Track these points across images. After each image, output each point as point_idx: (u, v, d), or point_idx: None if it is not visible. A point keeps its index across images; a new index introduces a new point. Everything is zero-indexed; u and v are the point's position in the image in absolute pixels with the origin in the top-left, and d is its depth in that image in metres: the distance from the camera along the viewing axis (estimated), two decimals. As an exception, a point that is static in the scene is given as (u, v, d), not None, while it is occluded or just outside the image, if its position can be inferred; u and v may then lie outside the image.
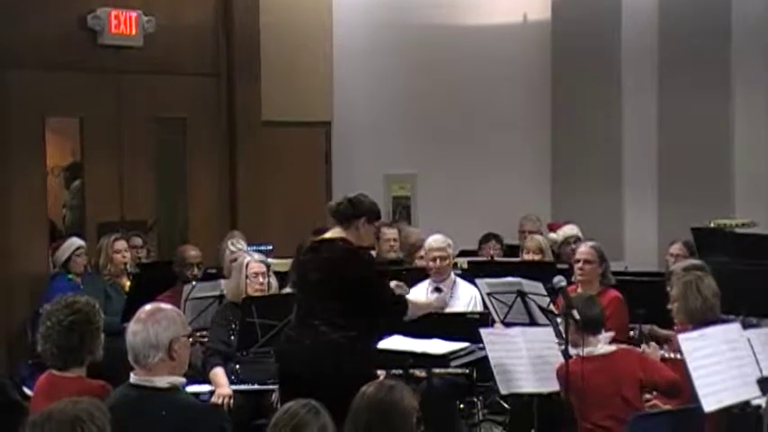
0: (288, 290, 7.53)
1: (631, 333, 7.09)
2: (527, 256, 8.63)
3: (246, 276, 7.07)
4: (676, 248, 8.36)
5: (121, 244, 8.67)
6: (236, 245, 8.33)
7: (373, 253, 9.08)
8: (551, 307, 6.85)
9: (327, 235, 5.96)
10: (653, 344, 6.24)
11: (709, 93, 11.32)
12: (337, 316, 5.68)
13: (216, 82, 10.53)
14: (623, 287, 7.25)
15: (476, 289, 7.40)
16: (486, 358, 6.16)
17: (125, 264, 8.61)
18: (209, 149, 10.52)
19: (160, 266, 8.92)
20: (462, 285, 7.61)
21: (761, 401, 5.15)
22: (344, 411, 3.93)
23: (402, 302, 6.01)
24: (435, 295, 7.18)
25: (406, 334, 6.52)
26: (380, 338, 6.15)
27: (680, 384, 5.52)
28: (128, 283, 8.48)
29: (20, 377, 7.65)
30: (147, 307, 4.33)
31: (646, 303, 7.02)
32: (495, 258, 9.35)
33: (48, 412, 3.43)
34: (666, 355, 5.96)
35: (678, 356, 5.48)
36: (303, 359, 5.68)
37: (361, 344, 5.74)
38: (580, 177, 11.91)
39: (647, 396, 5.86)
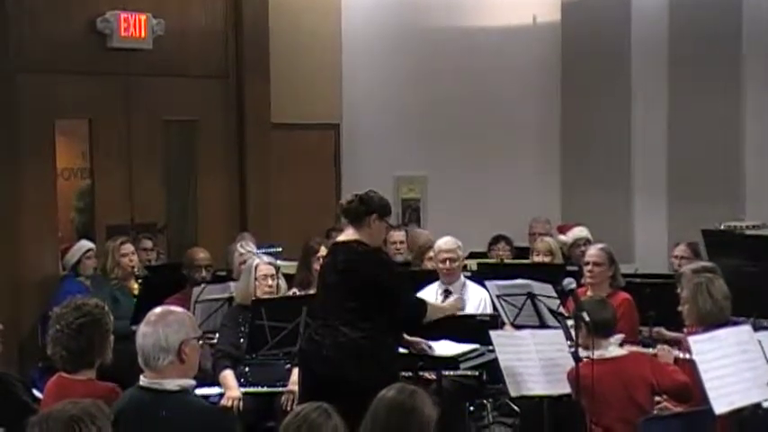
0: (295, 290, 7.55)
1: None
2: (537, 259, 8.62)
3: (255, 278, 7.07)
4: (680, 250, 8.34)
5: (128, 247, 8.56)
6: (246, 247, 8.33)
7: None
8: (561, 309, 6.84)
9: (342, 238, 6.02)
10: (666, 346, 6.22)
11: (719, 94, 11.29)
12: (355, 316, 5.74)
13: (225, 84, 10.53)
14: (633, 289, 7.24)
15: (485, 291, 7.38)
16: (495, 360, 6.14)
17: (132, 267, 8.53)
18: (219, 152, 10.52)
19: (169, 269, 8.92)
20: (472, 287, 7.60)
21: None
22: (364, 410, 3.91)
23: (421, 305, 6.04)
24: (452, 297, 7.03)
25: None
26: (400, 338, 6.15)
27: (691, 389, 5.50)
28: (136, 286, 8.45)
29: (30, 380, 7.64)
30: (158, 309, 4.32)
31: (656, 306, 7.01)
32: (505, 260, 9.34)
33: (48, 412, 3.41)
34: (681, 356, 5.94)
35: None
36: (324, 358, 5.75)
37: (381, 343, 5.77)
38: (590, 179, 11.89)
39: (658, 398, 5.84)
